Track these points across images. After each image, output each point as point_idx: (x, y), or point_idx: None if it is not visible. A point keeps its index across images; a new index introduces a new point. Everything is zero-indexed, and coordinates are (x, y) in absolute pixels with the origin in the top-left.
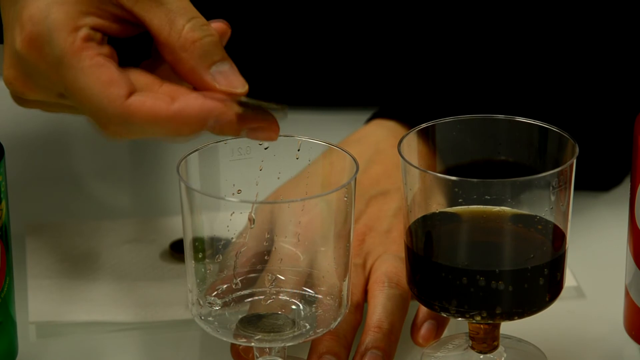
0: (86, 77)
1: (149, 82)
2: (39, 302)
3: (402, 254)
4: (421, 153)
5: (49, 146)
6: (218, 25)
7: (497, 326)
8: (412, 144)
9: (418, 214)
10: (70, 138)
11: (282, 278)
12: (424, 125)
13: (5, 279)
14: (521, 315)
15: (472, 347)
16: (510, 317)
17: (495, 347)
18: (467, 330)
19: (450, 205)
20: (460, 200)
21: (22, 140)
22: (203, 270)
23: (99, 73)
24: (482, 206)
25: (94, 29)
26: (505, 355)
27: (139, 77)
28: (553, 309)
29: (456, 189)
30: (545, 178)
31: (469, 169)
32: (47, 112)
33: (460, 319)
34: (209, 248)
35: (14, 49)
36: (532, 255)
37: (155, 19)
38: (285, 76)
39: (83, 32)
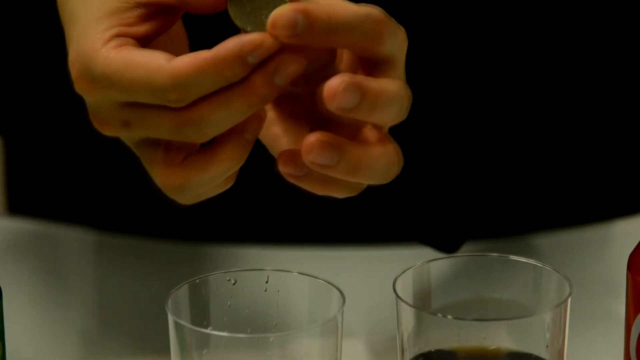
0: (122, 60)
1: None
2: None
3: None
4: (416, 292)
5: (47, 289)
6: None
7: None
8: (407, 283)
9: (413, 351)
10: (66, 275)
11: None
12: (418, 265)
13: None
14: None
15: None
16: None
17: None
18: None
19: (447, 344)
20: (456, 338)
21: (20, 281)
22: None
23: (132, 55)
24: (478, 344)
25: (122, 35)
26: None
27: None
28: None
29: (452, 328)
30: (540, 317)
31: (464, 307)
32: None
33: None
34: None
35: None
36: None
37: None
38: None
39: (112, 43)
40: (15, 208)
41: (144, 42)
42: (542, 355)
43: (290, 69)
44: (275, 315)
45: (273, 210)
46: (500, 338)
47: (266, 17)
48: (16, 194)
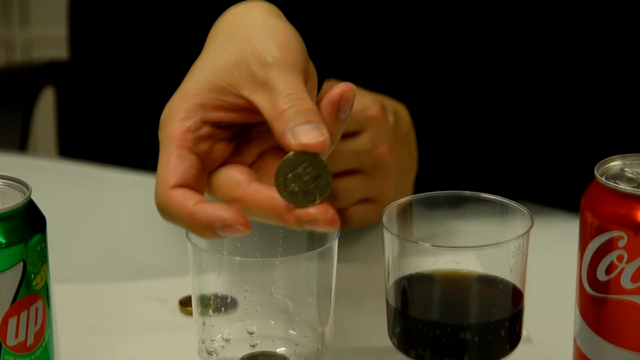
0: (162, 161)
1: (238, 181)
2: (70, 351)
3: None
4: (400, 223)
5: (89, 214)
6: (340, 87)
7: None
8: (393, 216)
9: (397, 274)
10: (106, 209)
11: (274, 323)
12: (402, 200)
13: (47, 330)
14: None
15: None
16: None
17: None
18: None
19: (425, 268)
20: (433, 263)
21: (62, 208)
22: (207, 321)
23: (170, 160)
24: (452, 268)
25: (206, 121)
26: None
27: (232, 175)
28: (513, 356)
29: (430, 254)
30: (506, 246)
31: (441, 237)
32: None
33: None
34: (213, 302)
35: None
36: (494, 311)
37: (263, 101)
38: None
39: (189, 123)
40: (65, 151)
41: (217, 125)
42: (507, 278)
43: (321, 229)
44: (280, 243)
45: None
46: (471, 263)
47: (311, 192)
48: (65, 139)
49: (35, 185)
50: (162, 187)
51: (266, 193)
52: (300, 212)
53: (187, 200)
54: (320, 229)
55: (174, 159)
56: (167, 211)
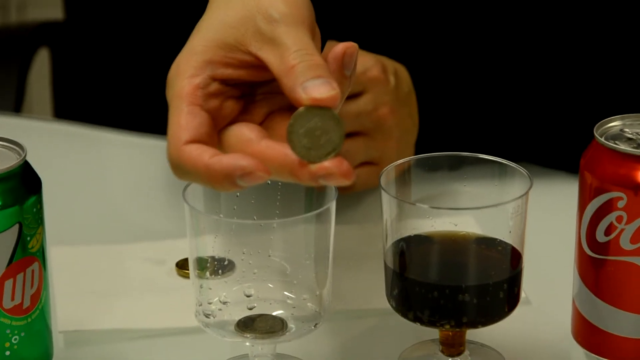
0: (172, 118)
1: (249, 138)
2: (67, 313)
3: None
4: (398, 185)
5: (85, 176)
6: (343, 45)
7: (464, 333)
8: (391, 177)
9: (395, 236)
10: (102, 171)
11: (271, 286)
12: (400, 161)
13: (43, 293)
14: (484, 324)
15: (442, 352)
16: (474, 325)
17: (462, 351)
18: (438, 337)
19: (424, 230)
20: (432, 225)
21: (58, 170)
22: (204, 283)
23: (182, 117)
24: (450, 230)
25: (214, 78)
26: (470, 358)
27: (243, 132)
28: (511, 318)
29: (428, 216)
30: (504, 207)
31: (439, 198)
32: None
33: (432, 327)
34: (210, 264)
35: None
36: (493, 273)
37: (272, 57)
38: None
39: (198, 80)
40: (60, 113)
41: (225, 82)
42: (506, 239)
43: (336, 183)
44: (277, 205)
45: None
46: (470, 225)
47: (323, 145)
48: (61, 100)
49: (30, 147)
50: (175, 144)
51: (278, 149)
52: (314, 167)
53: (202, 154)
54: (335, 182)
55: (185, 115)
56: (181, 168)
